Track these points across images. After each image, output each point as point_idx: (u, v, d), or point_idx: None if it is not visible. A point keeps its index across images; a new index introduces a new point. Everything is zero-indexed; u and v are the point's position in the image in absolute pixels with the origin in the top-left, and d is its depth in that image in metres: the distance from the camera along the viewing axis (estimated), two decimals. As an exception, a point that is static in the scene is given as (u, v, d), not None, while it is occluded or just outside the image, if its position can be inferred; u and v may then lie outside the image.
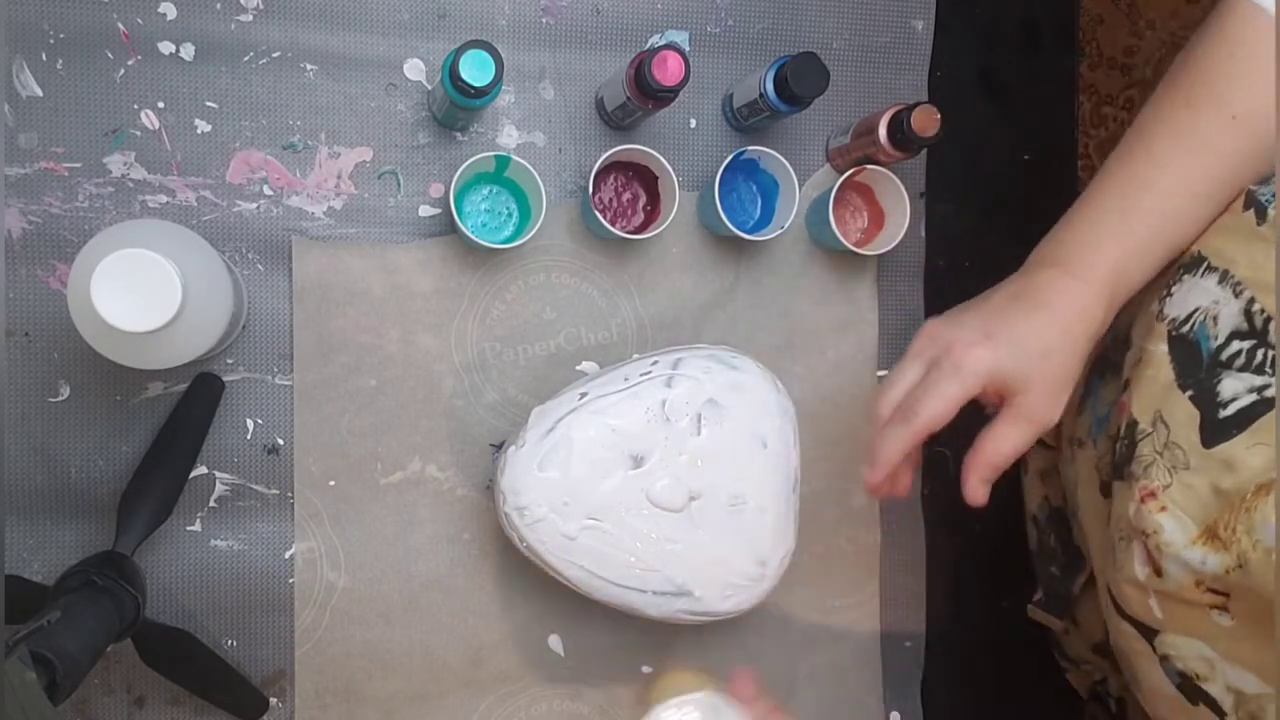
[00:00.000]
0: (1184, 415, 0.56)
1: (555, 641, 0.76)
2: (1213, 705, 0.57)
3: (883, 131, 0.74)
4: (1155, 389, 0.58)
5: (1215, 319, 0.56)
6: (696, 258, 0.78)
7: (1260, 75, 0.57)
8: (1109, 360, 0.67)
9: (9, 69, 0.67)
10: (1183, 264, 0.59)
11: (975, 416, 0.83)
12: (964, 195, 0.84)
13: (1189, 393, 0.56)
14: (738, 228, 0.73)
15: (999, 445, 0.59)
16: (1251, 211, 0.55)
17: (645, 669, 0.78)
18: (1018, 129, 0.86)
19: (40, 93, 0.68)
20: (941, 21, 0.83)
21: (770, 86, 0.71)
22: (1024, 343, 0.58)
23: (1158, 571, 0.56)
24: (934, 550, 0.84)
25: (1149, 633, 0.60)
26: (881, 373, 0.82)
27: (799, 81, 0.69)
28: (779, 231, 0.75)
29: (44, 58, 0.67)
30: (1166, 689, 0.60)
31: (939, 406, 0.58)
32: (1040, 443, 0.76)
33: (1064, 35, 0.87)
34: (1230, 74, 0.59)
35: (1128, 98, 1.64)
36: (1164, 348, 0.58)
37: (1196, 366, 0.56)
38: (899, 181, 0.76)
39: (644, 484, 0.67)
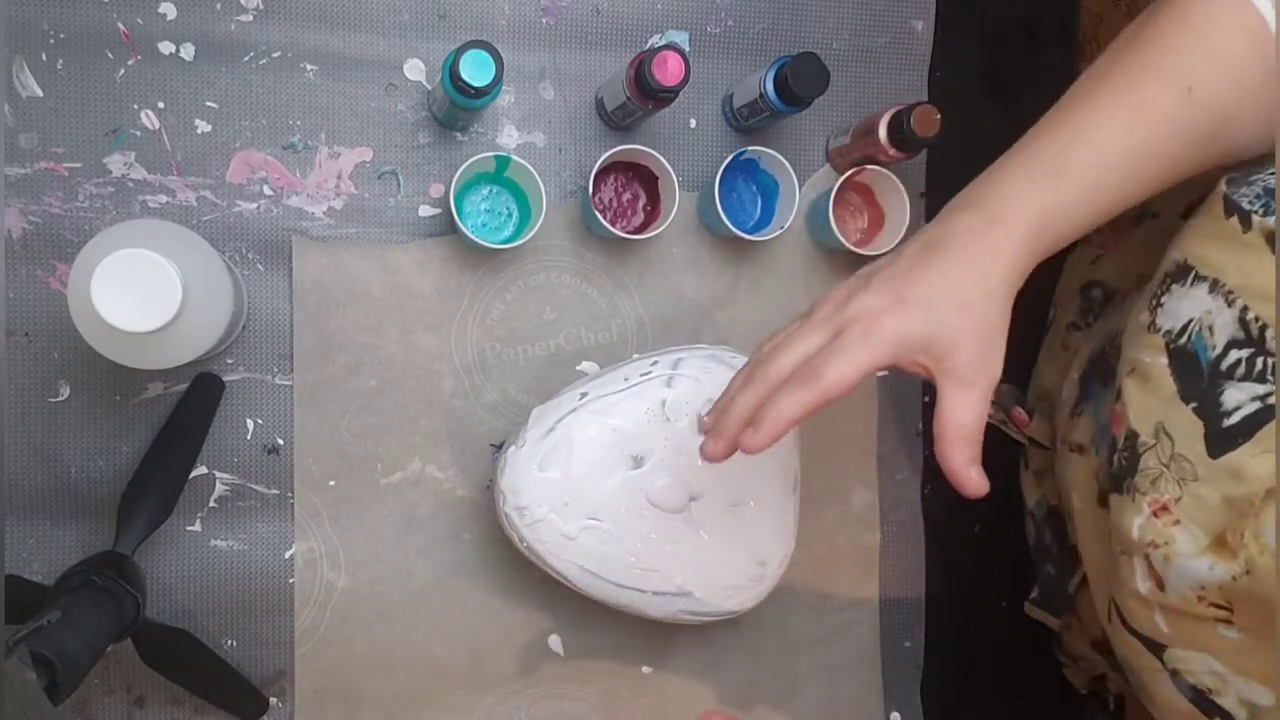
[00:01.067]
0: (1187, 426, 0.55)
1: (555, 641, 0.76)
2: (1227, 718, 0.57)
3: (883, 131, 0.74)
4: (1154, 401, 0.57)
5: (1211, 329, 0.55)
6: (696, 258, 0.78)
7: (1223, 65, 0.54)
8: (1108, 365, 0.66)
9: (9, 69, 0.67)
10: (1169, 273, 0.58)
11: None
12: (964, 195, 0.84)
13: (1192, 404, 0.55)
14: (738, 228, 0.73)
15: (958, 416, 0.53)
16: (1235, 219, 0.54)
17: (645, 669, 0.78)
18: (1018, 129, 0.85)
19: (40, 93, 0.68)
20: (941, 21, 0.83)
21: (770, 86, 0.71)
22: (939, 303, 0.52)
23: (1160, 585, 0.56)
24: (934, 550, 0.84)
25: (1156, 648, 0.59)
26: (882, 373, 0.82)
27: (799, 81, 0.69)
28: (779, 231, 0.75)
29: (44, 58, 0.67)
30: (1180, 703, 0.59)
31: (848, 373, 0.52)
32: (1036, 444, 0.76)
33: (1064, 35, 0.87)
34: (1193, 53, 0.54)
35: (1128, 98, 1.63)
36: (1163, 360, 0.57)
37: (1198, 378, 0.55)
38: (899, 181, 0.76)
39: (644, 484, 0.67)
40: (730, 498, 0.68)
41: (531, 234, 0.70)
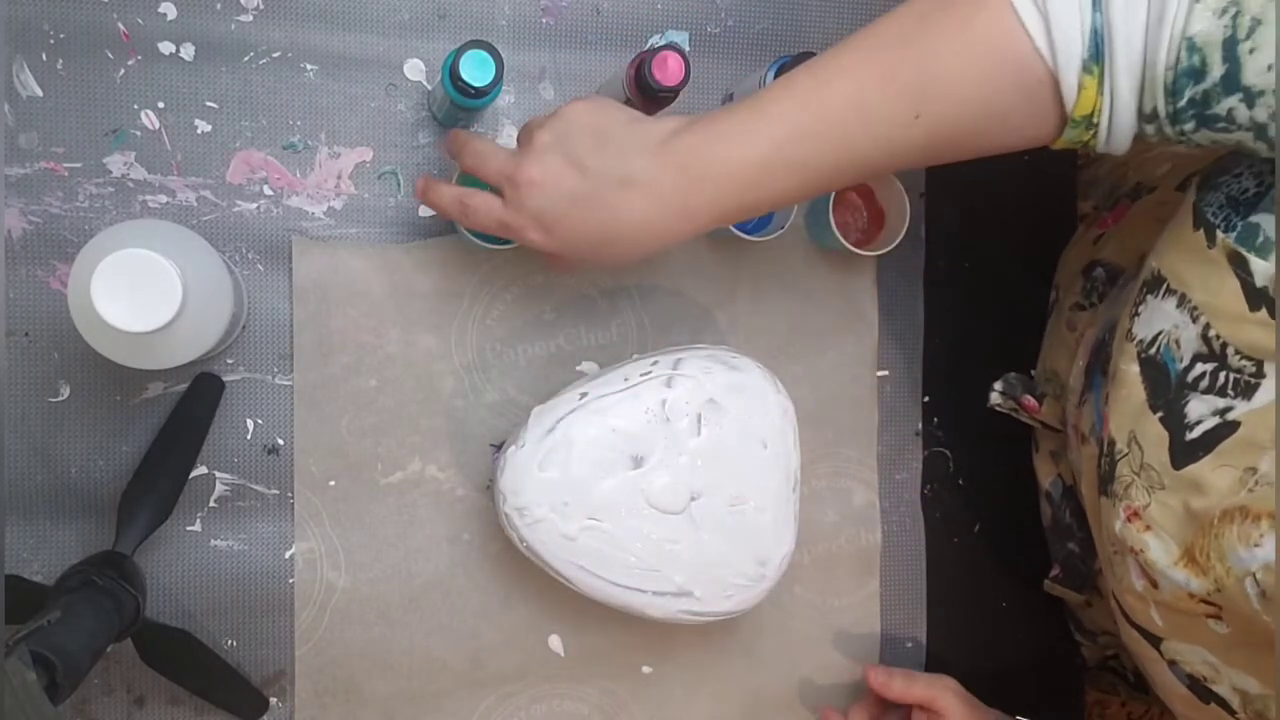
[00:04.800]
0: (1155, 436, 0.56)
1: (555, 641, 0.76)
2: (1222, 704, 0.58)
3: (883, 131, 0.73)
4: (1129, 409, 0.58)
5: (1178, 342, 0.55)
6: (696, 258, 0.78)
7: (978, 86, 0.53)
8: (1107, 355, 0.66)
9: (9, 69, 0.67)
10: (1146, 281, 0.58)
11: (977, 419, 0.84)
12: (964, 195, 0.84)
13: (1159, 414, 0.56)
14: (738, 228, 0.73)
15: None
16: (1201, 232, 0.54)
17: (645, 669, 0.78)
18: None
19: (40, 92, 0.67)
20: (941, 21, 0.82)
21: (770, 86, 0.71)
22: (580, 252, 0.60)
23: (1154, 584, 0.57)
24: (934, 550, 0.84)
25: (1154, 639, 0.61)
26: (882, 373, 0.82)
27: (799, 81, 0.69)
28: (779, 231, 0.75)
29: (44, 58, 0.67)
30: (1179, 689, 0.61)
31: (485, 228, 0.62)
32: (1048, 427, 0.77)
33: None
34: (951, 73, 0.53)
35: (1128, 98, 1.63)
36: (1135, 369, 0.58)
37: (1165, 388, 0.56)
38: (899, 181, 0.76)
39: (644, 484, 0.67)
40: (730, 498, 0.68)
41: None
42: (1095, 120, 0.52)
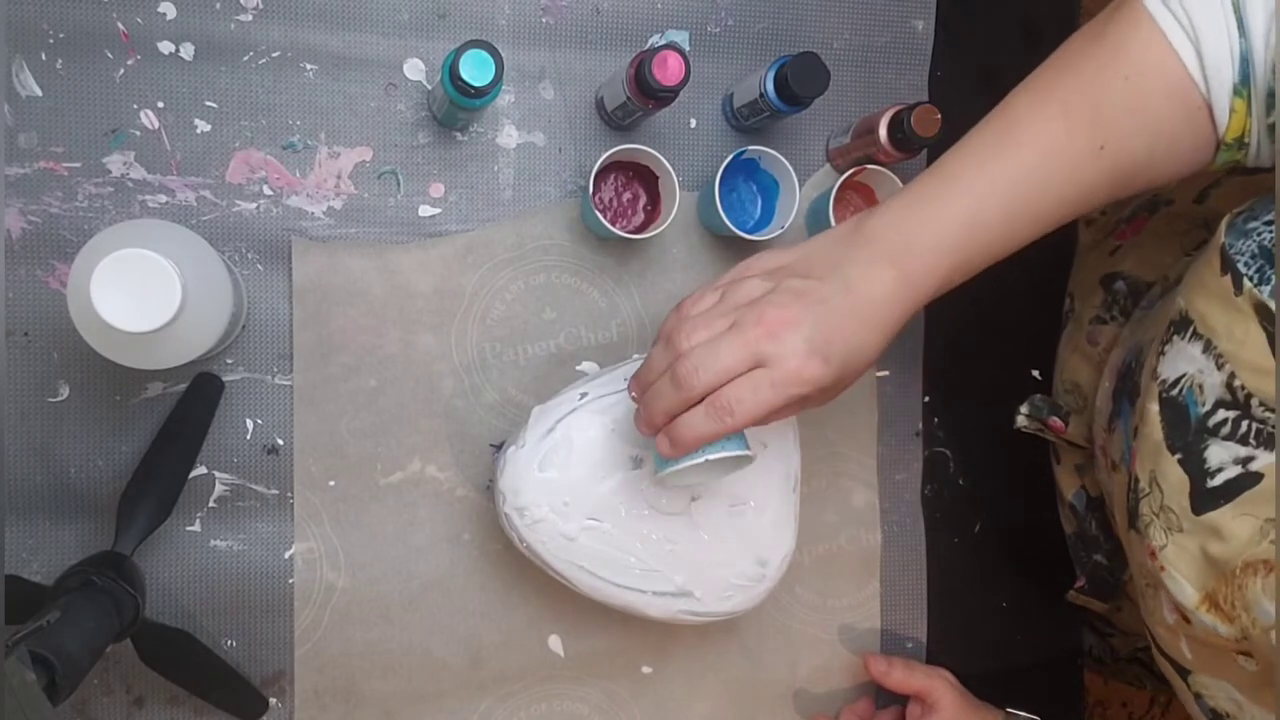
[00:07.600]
0: (1176, 480, 0.56)
1: (555, 641, 0.76)
2: None
3: (883, 131, 0.74)
4: (1149, 448, 0.58)
5: (1201, 387, 0.55)
6: (696, 258, 0.78)
7: (1144, 113, 0.55)
8: (1135, 383, 0.66)
9: (9, 69, 0.67)
10: (1174, 321, 0.58)
11: (977, 419, 0.84)
12: (964, 195, 0.84)
13: (1178, 456, 0.56)
14: (738, 228, 0.73)
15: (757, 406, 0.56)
16: (1228, 279, 0.53)
17: (645, 669, 0.78)
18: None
19: (40, 92, 0.67)
20: (942, 21, 0.83)
21: (770, 86, 0.71)
22: (854, 361, 0.57)
23: (1186, 619, 0.57)
24: (934, 550, 0.84)
25: (1183, 672, 0.61)
26: (882, 373, 0.82)
27: (799, 81, 0.69)
28: (779, 231, 0.75)
29: (44, 57, 0.67)
30: None
31: (756, 414, 0.55)
32: (1069, 443, 0.77)
33: (1064, 35, 0.86)
34: (1117, 101, 0.55)
35: (1128, 98, 1.63)
36: (1155, 407, 0.58)
37: (1185, 430, 0.56)
38: (899, 181, 0.76)
39: (644, 484, 0.66)
40: (730, 498, 0.68)
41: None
42: (1246, 141, 0.54)
